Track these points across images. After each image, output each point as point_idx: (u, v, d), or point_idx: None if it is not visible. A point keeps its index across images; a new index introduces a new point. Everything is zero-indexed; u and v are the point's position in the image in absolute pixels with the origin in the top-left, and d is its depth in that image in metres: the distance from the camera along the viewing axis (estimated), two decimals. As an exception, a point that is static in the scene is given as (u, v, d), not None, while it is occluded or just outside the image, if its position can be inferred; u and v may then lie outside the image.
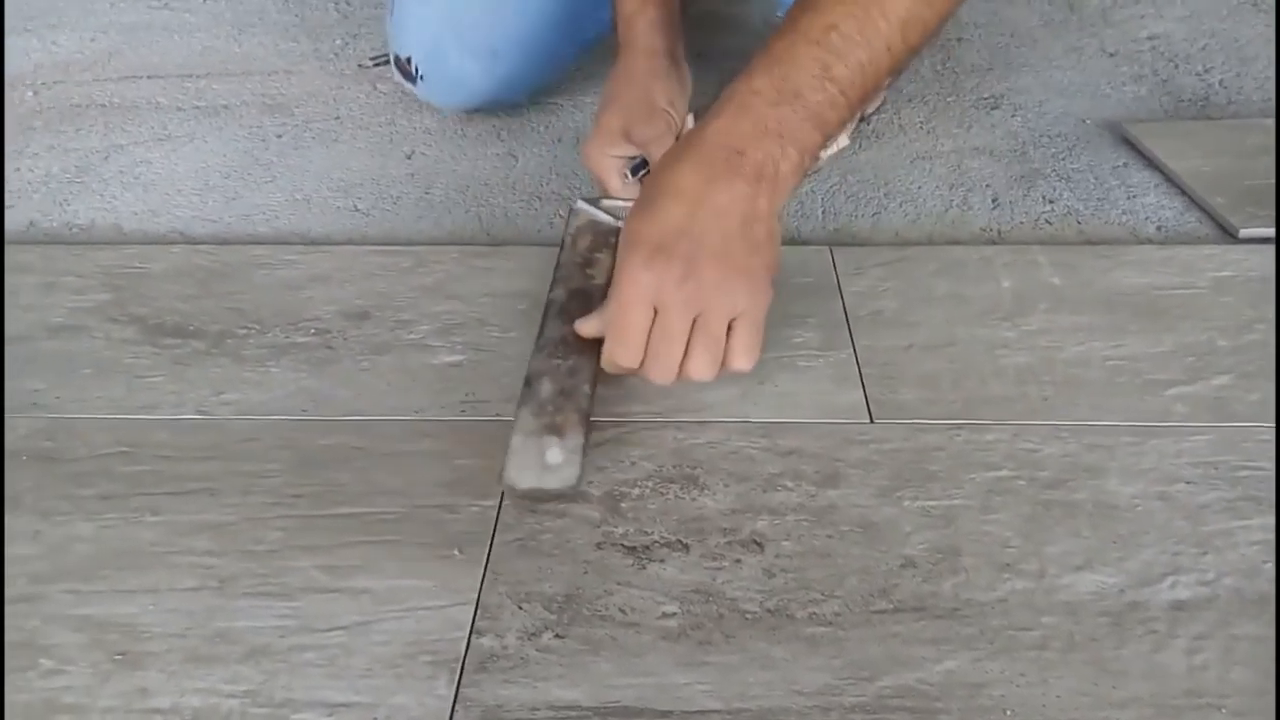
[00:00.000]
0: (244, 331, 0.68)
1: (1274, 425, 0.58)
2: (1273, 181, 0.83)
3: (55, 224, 0.84)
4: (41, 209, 0.86)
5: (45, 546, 0.52)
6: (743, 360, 0.57)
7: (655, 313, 0.56)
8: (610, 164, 0.78)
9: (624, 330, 0.57)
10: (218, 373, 0.65)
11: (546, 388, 0.59)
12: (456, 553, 0.52)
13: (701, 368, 0.56)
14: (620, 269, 0.57)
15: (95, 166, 0.93)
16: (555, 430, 0.56)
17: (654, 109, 0.77)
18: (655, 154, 0.77)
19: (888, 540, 0.52)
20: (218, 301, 0.71)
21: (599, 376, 0.60)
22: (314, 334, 0.68)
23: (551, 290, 0.68)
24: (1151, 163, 0.89)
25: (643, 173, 0.79)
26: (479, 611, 0.49)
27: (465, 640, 0.47)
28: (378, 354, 0.66)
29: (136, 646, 0.47)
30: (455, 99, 0.96)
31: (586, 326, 0.62)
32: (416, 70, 0.95)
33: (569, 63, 0.99)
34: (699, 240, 0.56)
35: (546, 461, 0.54)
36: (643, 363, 0.57)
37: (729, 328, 0.57)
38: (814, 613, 0.48)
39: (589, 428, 0.56)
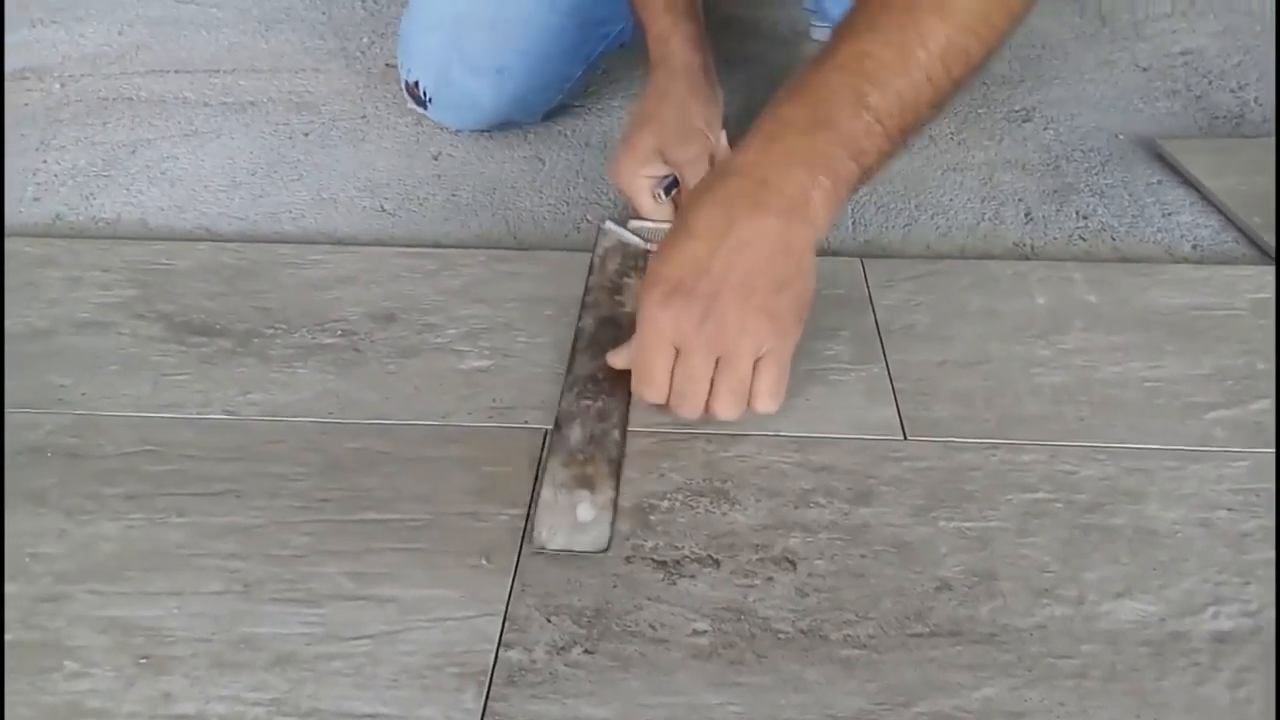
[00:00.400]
0: (271, 331, 0.68)
1: (1275, 448, 0.57)
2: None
3: (81, 218, 0.84)
4: (68, 202, 0.86)
5: (70, 545, 0.52)
6: (767, 402, 0.56)
7: (678, 352, 0.56)
8: (642, 184, 0.78)
9: (648, 370, 0.56)
10: (244, 372, 0.64)
11: (576, 434, 0.59)
12: (484, 562, 0.51)
13: (726, 408, 0.56)
14: (640, 308, 0.56)
15: (122, 160, 0.93)
16: (586, 483, 0.55)
17: (690, 130, 0.77)
18: (689, 176, 0.76)
19: (923, 561, 0.51)
20: (244, 300, 0.71)
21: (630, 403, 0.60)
22: (341, 335, 0.68)
23: (580, 318, 0.68)
24: (1186, 180, 0.88)
25: (675, 191, 0.78)
26: (507, 623, 0.48)
27: (493, 652, 0.46)
28: (404, 357, 0.66)
29: (161, 650, 0.47)
30: (466, 120, 0.96)
31: (617, 360, 0.62)
32: (425, 94, 0.94)
33: (577, 80, 0.98)
34: (721, 278, 0.54)
35: (578, 518, 0.53)
36: (669, 400, 0.57)
37: (755, 366, 0.56)
38: (848, 634, 0.47)
39: (619, 478, 0.56)
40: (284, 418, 0.61)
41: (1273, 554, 0.51)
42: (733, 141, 0.80)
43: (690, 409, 0.56)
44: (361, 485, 0.56)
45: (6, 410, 0.61)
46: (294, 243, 0.80)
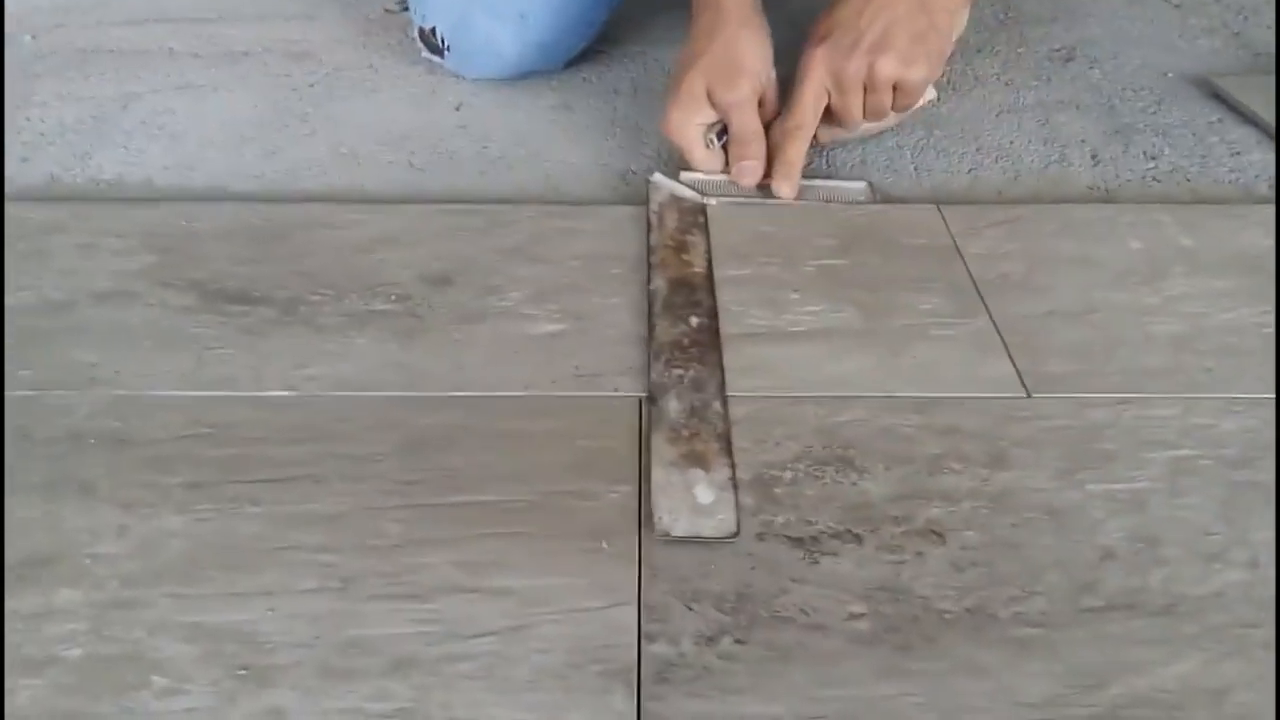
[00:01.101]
0: (317, 298, 0.62)
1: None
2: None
3: (80, 179, 0.77)
4: (61, 162, 0.78)
5: (134, 543, 0.46)
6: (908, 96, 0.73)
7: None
8: (694, 133, 0.72)
9: (802, 107, 0.72)
10: (295, 344, 0.58)
11: (674, 407, 0.54)
12: (603, 545, 0.46)
13: (872, 112, 0.73)
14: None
15: (113, 116, 0.85)
16: (698, 460, 0.50)
17: (740, 69, 0.71)
18: (736, 120, 0.72)
19: (1079, 528, 0.47)
20: (280, 265, 0.65)
21: (724, 367, 0.56)
22: (395, 300, 0.62)
23: (651, 280, 0.63)
24: (1247, 118, 0.85)
25: (725, 139, 0.73)
26: (644, 613, 0.43)
27: (636, 646, 0.42)
28: (469, 323, 0.60)
29: (260, 659, 0.41)
30: (486, 68, 0.89)
31: (785, 187, 0.72)
32: (443, 41, 0.88)
33: (600, 25, 0.92)
34: (866, 30, 0.70)
35: (697, 501, 0.48)
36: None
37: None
38: (1018, 612, 0.43)
39: (731, 452, 0.51)
40: (349, 392, 0.55)
41: None
42: (783, 81, 0.76)
43: (852, 121, 0.74)
44: (449, 464, 0.50)
45: (35, 393, 0.54)
46: (323, 201, 0.73)
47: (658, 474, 0.50)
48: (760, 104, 0.73)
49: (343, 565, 0.45)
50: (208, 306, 0.61)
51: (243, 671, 0.41)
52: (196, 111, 0.86)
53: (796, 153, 0.72)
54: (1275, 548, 0.46)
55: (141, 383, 0.55)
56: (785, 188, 0.71)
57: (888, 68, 0.70)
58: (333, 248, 0.66)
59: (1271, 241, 0.67)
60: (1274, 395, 0.54)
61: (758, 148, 0.71)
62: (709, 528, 0.47)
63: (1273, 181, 0.77)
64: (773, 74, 0.74)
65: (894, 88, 0.72)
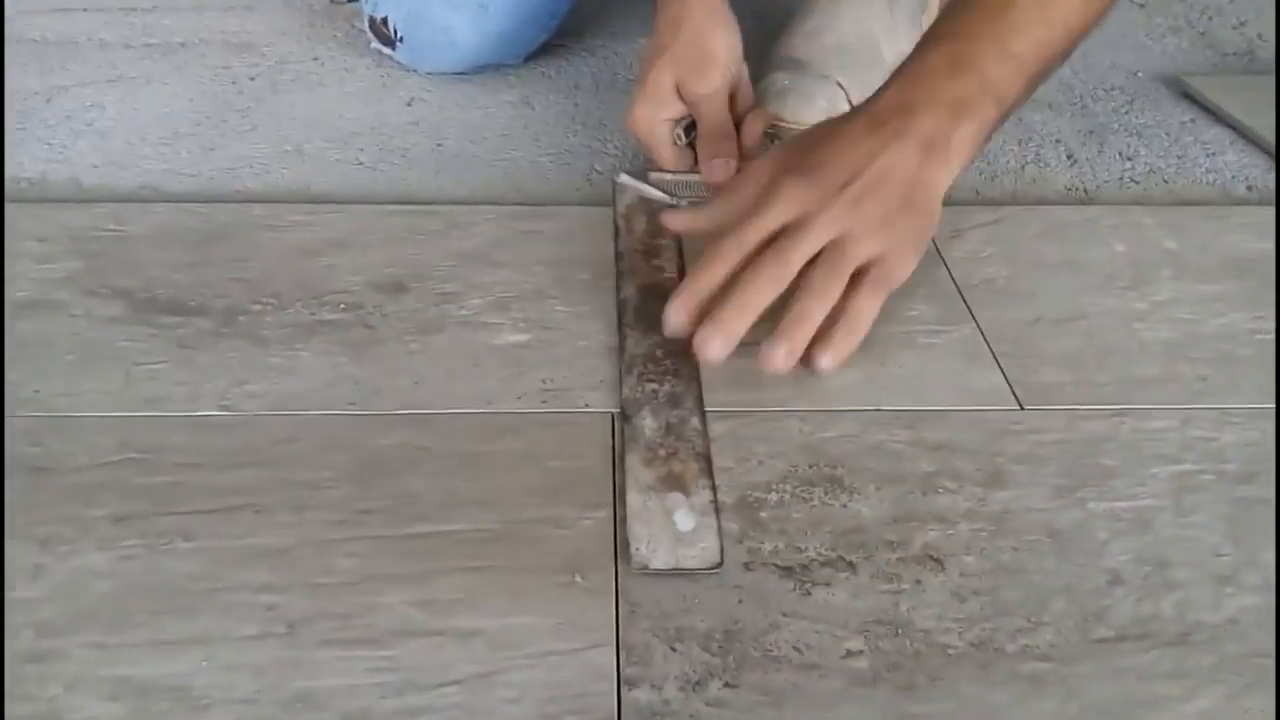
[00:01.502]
0: (258, 307, 0.57)
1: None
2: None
3: (-2, 178, 0.71)
4: (-22, 160, 0.73)
5: (52, 586, 0.41)
6: (847, 335, 0.52)
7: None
8: (663, 129, 0.68)
9: (746, 232, 0.53)
10: (235, 358, 0.54)
11: (650, 425, 0.50)
12: (577, 579, 0.42)
13: (819, 292, 0.51)
14: (760, 171, 0.56)
15: (36, 111, 0.80)
16: (676, 484, 0.47)
17: (711, 61, 0.67)
18: (705, 114, 0.68)
19: (1083, 551, 0.44)
20: (219, 270, 0.60)
21: (700, 377, 0.53)
22: (344, 309, 0.57)
23: (620, 289, 0.59)
24: (1220, 118, 0.84)
25: (693, 135, 0.70)
26: (623, 655, 0.40)
27: (615, 693, 0.38)
28: (426, 333, 0.56)
29: (195, 718, 0.37)
30: (441, 61, 0.84)
31: (676, 221, 0.60)
32: (395, 31, 0.83)
33: (561, 17, 0.88)
34: (856, 177, 0.53)
35: (677, 529, 0.44)
36: (737, 273, 0.52)
37: (853, 280, 0.52)
38: (1026, 645, 0.40)
39: (712, 473, 0.47)
40: (294, 411, 0.50)
41: None
42: (754, 76, 0.72)
43: (767, 290, 0.51)
44: (405, 491, 0.46)
45: (-60, 415, 0.49)
46: (265, 202, 0.68)
47: (633, 499, 0.46)
48: (731, 99, 0.70)
49: (288, 607, 0.41)
50: (138, 317, 0.56)
51: (175, 732, 0.36)
52: (128, 106, 0.81)
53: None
54: (1276, 568, 0.43)
55: (63, 403, 0.50)
56: (715, 346, 0.51)
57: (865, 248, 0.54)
58: (276, 252, 0.62)
59: (1259, 244, 0.65)
60: (1274, 406, 0.52)
61: (729, 144, 0.67)
62: (691, 558, 0.43)
63: (1251, 183, 0.75)
64: (744, 68, 0.71)
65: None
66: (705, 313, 0.51)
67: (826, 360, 0.51)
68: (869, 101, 0.57)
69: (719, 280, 0.52)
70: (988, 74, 0.54)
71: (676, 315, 0.52)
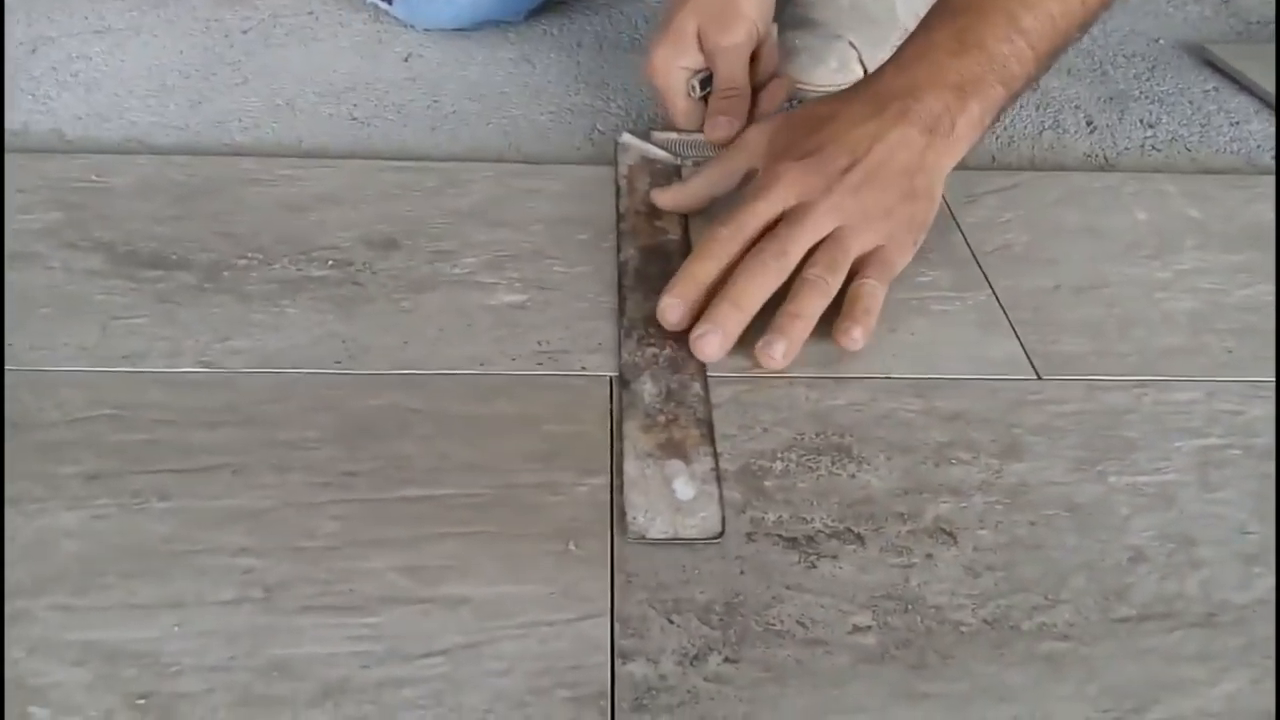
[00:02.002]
0: (243, 262, 0.55)
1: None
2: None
3: (-22, 127, 0.68)
4: (-43, 108, 0.70)
5: (19, 546, 0.39)
6: (861, 321, 0.50)
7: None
8: (678, 77, 0.66)
9: (745, 218, 0.51)
10: (218, 313, 0.51)
11: (649, 390, 0.48)
12: (571, 547, 0.40)
13: (811, 293, 0.49)
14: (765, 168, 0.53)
15: (20, 61, 0.77)
16: (676, 450, 0.45)
17: (736, 12, 0.64)
18: (722, 68, 0.65)
19: (1104, 526, 0.42)
20: (204, 224, 0.58)
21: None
22: (333, 265, 0.55)
23: (620, 250, 0.57)
24: (1244, 87, 0.81)
25: (709, 90, 0.67)
26: (618, 627, 0.37)
27: (609, 666, 0.36)
28: (418, 291, 0.54)
29: (164, 685, 0.35)
30: (439, 17, 0.81)
31: (665, 197, 0.59)
32: None
33: None
34: (860, 162, 0.51)
35: (676, 497, 0.42)
36: (733, 268, 0.50)
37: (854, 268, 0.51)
38: (1043, 623, 0.38)
39: (714, 441, 0.45)
40: (279, 369, 0.48)
41: None
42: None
43: (765, 285, 0.49)
44: (396, 453, 0.44)
45: (-92, 367, 0.47)
46: (254, 155, 0.66)
47: (631, 467, 0.44)
48: (754, 60, 0.67)
49: (266, 571, 0.39)
50: (117, 270, 0.54)
51: (141, 701, 0.34)
52: (114, 58, 0.78)
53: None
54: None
55: (36, 357, 0.48)
56: (712, 346, 0.49)
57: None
58: (263, 206, 0.59)
59: (1283, 214, 0.63)
60: (1274, 379, 0.50)
61: (740, 104, 0.64)
62: (690, 528, 0.41)
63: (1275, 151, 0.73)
64: (773, 29, 0.68)
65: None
66: (701, 305, 0.50)
67: (858, 334, 0.49)
68: (873, 78, 0.56)
69: (717, 271, 0.50)
70: (996, 52, 0.53)
71: (673, 310, 0.50)
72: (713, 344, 0.48)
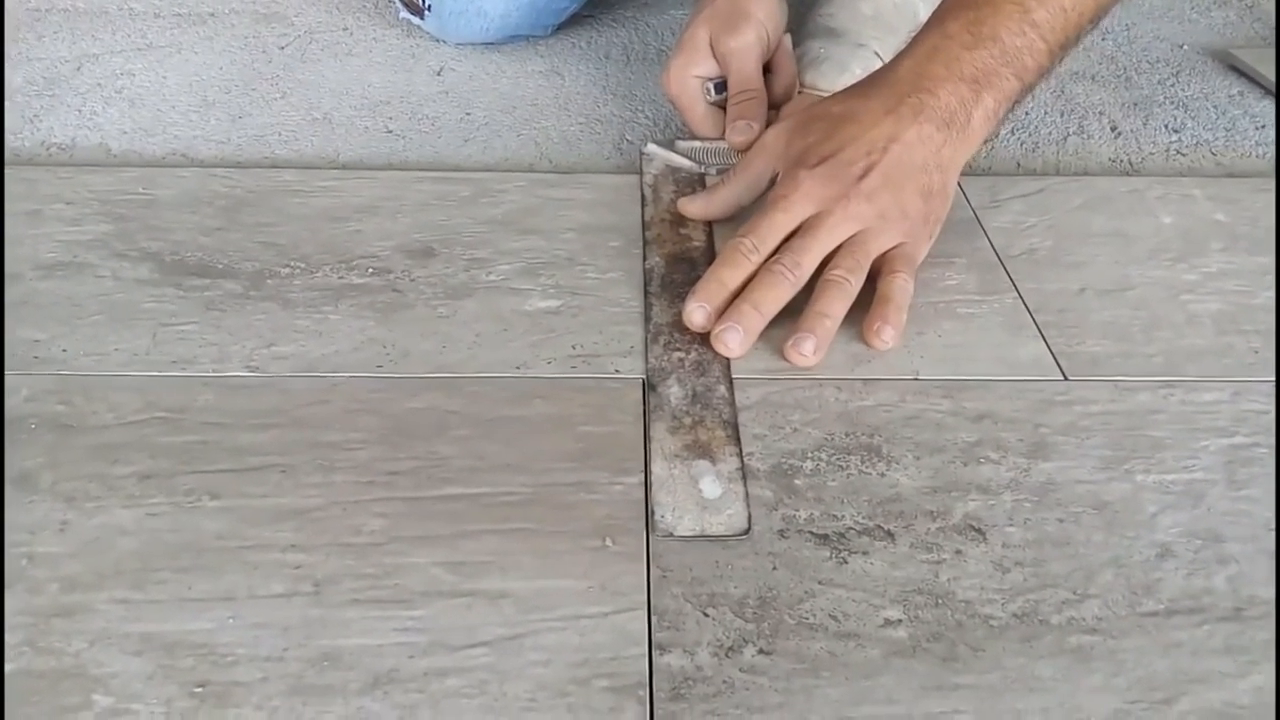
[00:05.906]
0: (286, 270, 0.57)
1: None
2: None
3: (28, 143, 0.70)
4: (9, 125, 0.72)
5: (77, 542, 0.41)
6: (892, 318, 0.51)
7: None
8: (694, 88, 0.67)
9: (764, 228, 0.52)
10: (263, 320, 0.53)
11: (675, 392, 0.49)
12: (608, 543, 0.42)
13: (833, 296, 0.51)
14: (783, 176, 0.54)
15: (66, 78, 0.79)
16: (702, 451, 0.46)
17: (744, 16, 0.66)
18: (734, 69, 0.66)
19: (1132, 524, 0.43)
20: (247, 234, 0.59)
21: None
22: (373, 273, 0.57)
23: (646, 257, 0.58)
24: (1269, 91, 0.81)
25: (723, 94, 0.68)
26: (655, 620, 0.39)
27: (646, 658, 0.37)
28: (455, 298, 0.55)
29: (220, 675, 0.36)
30: (470, 31, 0.83)
31: (693, 206, 0.60)
32: (424, 1, 0.82)
33: None
34: (876, 162, 0.52)
35: (703, 495, 0.43)
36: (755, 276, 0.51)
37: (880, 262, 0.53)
38: (1072, 617, 0.39)
39: (740, 441, 0.46)
40: (323, 373, 0.50)
41: None
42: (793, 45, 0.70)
43: (786, 290, 0.51)
44: (436, 453, 0.45)
45: (-32, 373, 0.49)
46: (293, 167, 0.68)
47: (659, 468, 0.45)
48: (768, 69, 0.68)
49: (315, 567, 0.40)
50: (166, 279, 0.56)
51: (199, 689, 0.36)
52: (157, 74, 0.80)
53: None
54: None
55: (90, 362, 0.50)
56: (734, 343, 0.50)
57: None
58: (304, 217, 0.61)
59: (1310, 217, 0.63)
60: (1274, 380, 0.50)
61: (756, 106, 0.65)
62: (717, 525, 0.42)
63: (1302, 156, 0.73)
64: (786, 39, 0.69)
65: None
66: (723, 310, 0.51)
67: (889, 334, 0.51)
68: (887, 70, 0.56)
69: (740, 279, 0.52)
70: (1010, 45, 0.53)
71: (698, 314, 0.51)
72: (734, 339, 0.50)
